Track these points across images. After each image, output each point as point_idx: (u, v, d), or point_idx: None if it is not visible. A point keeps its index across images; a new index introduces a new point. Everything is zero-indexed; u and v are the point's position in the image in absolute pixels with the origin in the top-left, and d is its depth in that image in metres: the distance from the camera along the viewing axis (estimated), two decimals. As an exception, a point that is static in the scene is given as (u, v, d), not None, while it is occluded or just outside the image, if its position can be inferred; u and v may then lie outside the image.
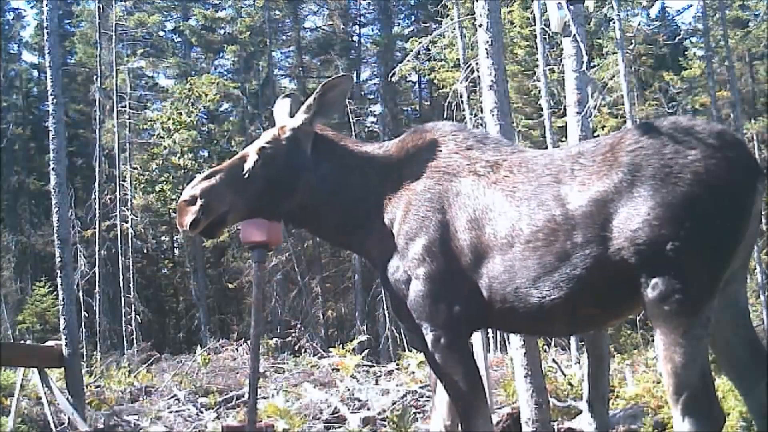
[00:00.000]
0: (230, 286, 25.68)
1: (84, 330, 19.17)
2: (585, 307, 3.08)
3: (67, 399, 5.10)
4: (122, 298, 20.90)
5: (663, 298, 2.81)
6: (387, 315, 20.24)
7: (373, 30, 31.12)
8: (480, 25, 5.28)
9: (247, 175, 3.53)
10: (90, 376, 11.54)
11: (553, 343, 11.40)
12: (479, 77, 6.03)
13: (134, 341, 19.29)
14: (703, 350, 2.83)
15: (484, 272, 3.17)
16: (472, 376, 3.26)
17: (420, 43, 13.73)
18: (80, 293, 19.44)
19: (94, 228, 20.74)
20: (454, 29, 13.29)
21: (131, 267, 22.00)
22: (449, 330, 3.24)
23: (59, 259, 5.40)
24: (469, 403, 3.25)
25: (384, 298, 18.58)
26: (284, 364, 11.82)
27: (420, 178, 3.43)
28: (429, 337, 3.26)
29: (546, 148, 14.22)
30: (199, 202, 3.46)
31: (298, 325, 17.70)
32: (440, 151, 3.47)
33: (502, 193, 3.22)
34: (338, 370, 9.63)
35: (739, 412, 5.61)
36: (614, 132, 3.26)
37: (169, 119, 24.09)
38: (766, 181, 2.97)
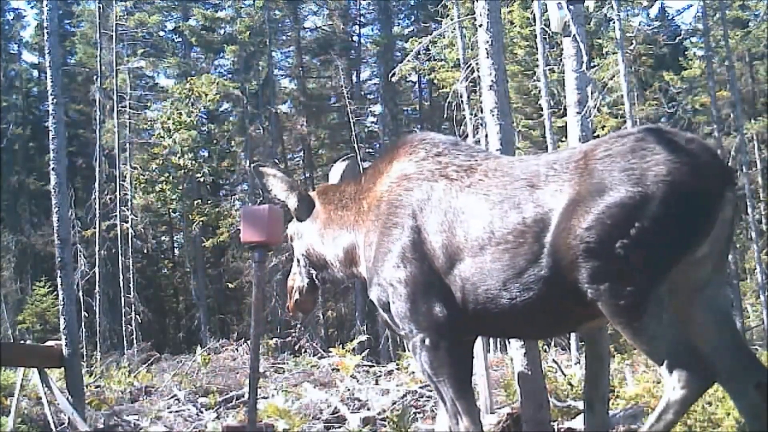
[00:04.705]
0: (230, 286, 25.68)
1: (84, 330, 19.18)
2: (556, 307, 3.13)
3: (67, 399, 5.10)
4: (122, 298, 20.90)
5: (613, 294, 2.90)
6: (387, 315, 20.20)
7: (373, 30, 31.18)
8: (480, 25, 5.27)
9: None
10: (90, 376, 11.54)
11: (553, 343, 11.40)
12: (479, 77, 6.03)
13: (134, 341, 19.29)
14: (666, 324, 2.90)
15: (457, 274, 3.25)
16: (458, 377, 3.33)
17: (420, 43, 13.73)
18: (80, 293, 19.44)
19: (94, 228, 20.75)
20: (454, 29, 13.29)
21: (131, 267, 22.01)
22: (432, 332, 3.31)
23: (59, 259, 5.40)
24: (456, 403, 3.32)
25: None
26: (284, 364, 11.81)
27: (393, 189, 3.55)
28: (413, 340, 3.36)
29: (546, 148, 14.24)
30: None
31: (298, 325, 17.69)
32: (411, 160, 3.60)
33: (475, 196, 3.31)
34: (338, 370, 9.62)
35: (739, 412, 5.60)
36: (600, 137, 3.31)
37: (169, 119, 24.09)
38: (734, 190, 3.01)
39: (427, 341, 3.31)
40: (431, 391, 3.74)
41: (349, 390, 8.26)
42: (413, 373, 9.10)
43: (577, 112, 5.59)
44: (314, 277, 4.10)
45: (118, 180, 22.23)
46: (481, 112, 7.72)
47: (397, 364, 10.47)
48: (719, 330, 3.07)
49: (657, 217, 2.85)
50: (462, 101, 12.44)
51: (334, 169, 4.29)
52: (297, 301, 4.22)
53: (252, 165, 4.27)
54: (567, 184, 3.08)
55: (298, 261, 4.18)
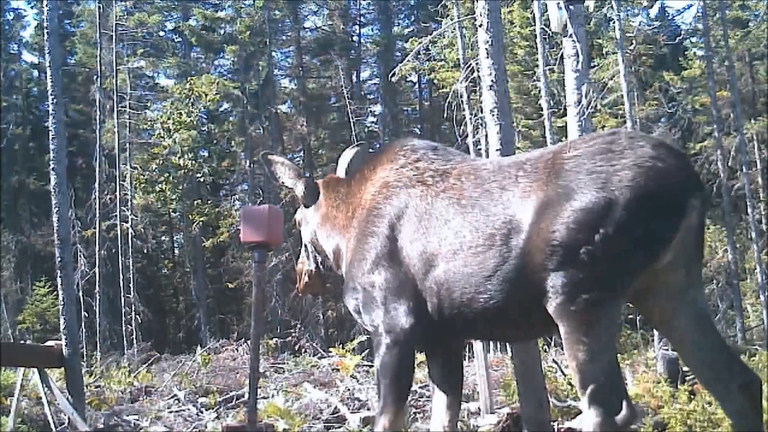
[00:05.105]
0: (230, 286, 25.66)
1: (84, 330, 19.16)
2: (529, 310, 3.12)
3: (67, 399, 5.10)
4: (122, 298, 20.89)
5: (569, 298, 2.87)
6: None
7: (373, 30, 31.18)
8: (480, 25, 5.28)
9: None
10: (90, 376, 11.54)
11: (553, 343, 11.40)
12: (479, 77, 6.03)
13: (134, 341, 19.28)
14: (607, 348, 2.87)
15: (433, 280, 3.27)
16: (400, 384, 3.40)
17: (420, 43, 13.70)
18: (80, 293, 19.43)
19: (94, 228, 20.73)
20: (454, 29, 13.29)
21: (131, 267, 21.99)
22: (396, 337, 3.36)
23: (59, 259, 5.39)
24: (386, 405, 3.38)
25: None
26: (284, 364, 11.82)
27: (374, 197, 3.61)
28: (378, 338, 3.42)
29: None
30: None
31: (298, 325, 17.71)
32: (392, 167, 3.66)
33: (449, 201, 3.34)
34: (338, 370, 9.62)
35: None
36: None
37: (169, 119, 24.08)
38: (701, 197, 2.98)
39: (389, 344, 3.37)
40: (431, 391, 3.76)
41: (349, 390, 8.26)
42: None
43: (577, 113, 5.60)
44: (320, 263, 4.18)
45: (118, 180, 22.21)
46: (481, 112, 7.72)
47: (397, 364, 10.45)
48: (701, 334, 3.06)
49: (620, 223, 2.82)
50: (462, 101, 12.43)
51: (342, 157, 4.29)
52: (306, 284, 4.30)
53: (261, 153, 4.31)
54: (535, 185, 3.08)
55: (306, 246, 4.25)
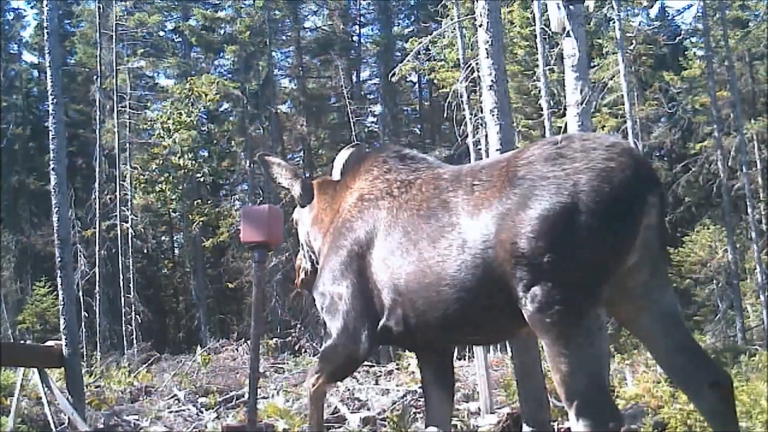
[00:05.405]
0: (230, 286, 25.66)
1: (84, 330, 19.18)
2: (491, 315, 3.13)
3: (67, 399, 5.09)
4: (122, 298, 20.90)
5: (542, 309, 2.82)
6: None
7: (373, 30, 31.18)
8: (480, 25, 5.28)
9: None
10: (90, 376, 11.54)
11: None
12: (479, 77, 6.03)
13: (134, 341, 19.29)
14: (590, 358, 2.81)
15: (396, 291, 3.30)
16: (339, 368, 3.62)
17: (420, 43, 13.73)
18: (80, 293, 19.46)
19: (94, 228, 20.74)
20: (454, 29, 13.31)
21: (131, 267, 22.00)
22: (348, 344, 3.49)
23: (59, 259, 5.39)
24: (319, 370, 3.64)
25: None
26: (284, 364, 11.83)
27: (350, 209, 3.67)
28: (332, 340, 3.57)
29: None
30: None
31: (298, 325, 17.70)
32: (367, 179, 3.73)
33: (410, 212, 3.38)
34: (338, 370, 9.61)
35: (739, 412, 5.60)
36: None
37: (169, 119, 24.08)
38: (659, 194, 2.92)
39: (339, 353, 3.54)
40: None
41: (349, 390, 8.26)
42: (413, 373, 9.10)
43: (577, 113, 5.60)
44: (314, 262, 4.21)
45: (118, 180, 22.21)
46: (481, 112, 7.73)
47: (397, 364, 10.47)
48: (669, 334, 3.04)
49: (579, 228, 2.78)
50: (462, 101, 12.45)
51: (338, 158, 4.30)
52: (303, 280, 4.36)
53: (258, 154, 4.36)
54: (489, 193, 3.07)
55: (302, 246, 4.31)
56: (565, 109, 7.75)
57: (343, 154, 4.27)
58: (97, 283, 19.91)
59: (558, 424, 5.80)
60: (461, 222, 3.11)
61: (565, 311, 2.79)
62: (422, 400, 7.45)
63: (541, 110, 14.73)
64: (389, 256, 3.35)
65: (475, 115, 11.57)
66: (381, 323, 3.39)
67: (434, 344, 3.63)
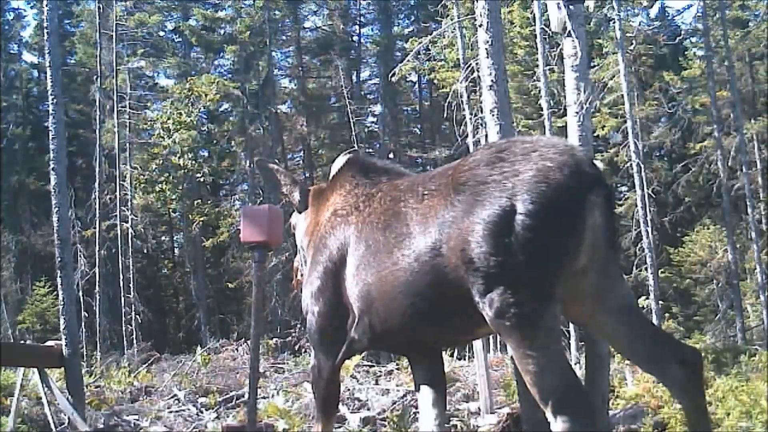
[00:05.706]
0: (230, 286, 25.67)
1: (84, 330, 19.18)
2: (447, 320, 3.19)
3: (67, 399, 5.10)
4: (122, 298, 20.89)
5: (500, 314, 2.82)
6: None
7: (373, 30, 31.17)
8: (480, 25, 5.27)
9: None
10: (90, 376, 11.54)
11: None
12: (479, 77, 6.03)
13: (134, 341, 19.28)
14: (556, 356, 2.81)
15: (365, 302, 3.38)
16: (328, 399, 3.75)
17: (420, 43, 13.73)
18: (80, 293, 19.44)
19: (94, 228, 20.75)
20: (454, 29, 13.30)
21: (131, 267, 22.00)
22: (327, 360, 3.64)
23: (59, 259, 5.39)
24: (318, 413, 3.80)
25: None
26: (284, 364, 11.83)
27: (326, 224, 3.76)
28: (312, 360, 3.76)
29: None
30: None
31: (298, 325, 17.68)
32: (340, 193, 3.84)
33: (371, 225, 3.46)
34: (338, 370, 9.61)
35: (739, 412, 5.61)
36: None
37: (169, 119, 24.08)
38: (601, 193, 2.90)
39: (319, 371, 3.68)
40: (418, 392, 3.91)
41: (348, 390, 8.26)
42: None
43: (577, 112, 5.59)
44: None
45: (118, 180, 22.21)
46: (481, 112, 7.72)
47: (397, 364, 10.47)
48: (627, 324, 3.06)
49: (523, 230, 2.78)
50: (462, 101, 12.44)
51: (334, 165, 4.31)
52: (299, 281, 4.41)
53: (256, 160, 4.44)
54: (435, 200, 3.13)
55: (299, 249, 4.35)
56: (565, 109, 7.74)
57: (339, 162, 4.28)
58: (97, 283, 19.91)
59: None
60: (412, 231, 3.18)
61: (522, 314, 2.79)
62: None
63: (541, 110, 14.72)
64: (356, 270, 3.43)
65: (475, 115, 11.56)
66: (351, 333, 3.49)
67: (402, 349, 3.75)
